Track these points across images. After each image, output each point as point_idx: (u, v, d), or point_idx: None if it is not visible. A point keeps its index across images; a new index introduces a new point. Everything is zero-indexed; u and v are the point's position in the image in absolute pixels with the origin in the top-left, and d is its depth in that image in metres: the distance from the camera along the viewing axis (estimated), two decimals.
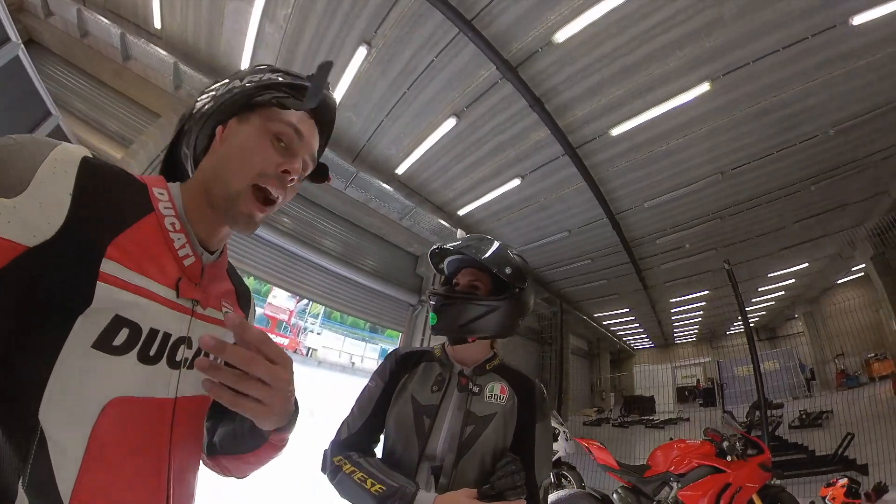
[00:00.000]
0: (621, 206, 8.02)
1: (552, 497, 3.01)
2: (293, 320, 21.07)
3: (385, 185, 7.26)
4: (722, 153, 6.93)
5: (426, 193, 7.66)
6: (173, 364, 0.62)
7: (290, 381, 0.57)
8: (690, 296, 14.51)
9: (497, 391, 1.14)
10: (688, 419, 9.73)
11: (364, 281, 8.43)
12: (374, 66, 5.44)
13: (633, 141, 6.43)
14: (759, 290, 14.88)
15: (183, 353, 0.64)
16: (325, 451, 1.13)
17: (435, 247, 1.27)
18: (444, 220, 8.19)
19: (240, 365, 0.52)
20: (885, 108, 6.44)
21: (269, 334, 0.57)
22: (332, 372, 14.92)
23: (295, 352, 17.92)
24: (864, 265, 11.11)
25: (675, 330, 19.99)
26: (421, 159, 6.86)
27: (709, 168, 7.26)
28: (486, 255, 1.15)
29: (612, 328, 18.95)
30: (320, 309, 21.62)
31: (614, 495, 3.16)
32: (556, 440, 4.26)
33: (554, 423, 4.36)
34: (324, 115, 0.80)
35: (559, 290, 12.43)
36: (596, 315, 16.38)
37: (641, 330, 19.81)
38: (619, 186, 7.47)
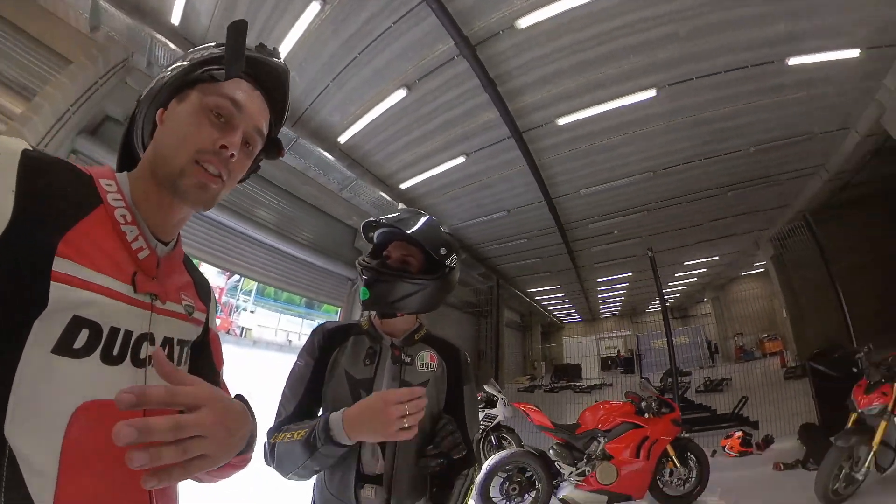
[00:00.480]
0: (559, 192, 8.37)
1: (495, 457, 3.42)
2: (224, 298, 19.87)
3: (326, 154, 6.82)
4: (656, 154, 7.54)
5: (369, 165, 7.36)
6: (138, 363, 0.59)
7: (222, 422, 0.50)
8: (616, 277, 15.95)
9: (427, 360, 1.19)
10: (611, 384, 11.35)
11: (300, 254, 7.93)
12: (326, 25, 4.98)
13: (577, 132, 6.67)
14: (676, 275, 16.72)
15: (146, 350, 0.61)
16: (265, 443, 1.07)
17: (371, 219, 1.24)
18: (386, 194, 7.92)
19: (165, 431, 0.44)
20: (800, 139, 7.52)
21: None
22: (269, 351, 14.47)
23: (228, 332, 17.01)
24: (764, 263, 12.98)
25: (601, 306, 22.08)
26: (366, 129, 6.53)
27: (643, 165, 7.85)
28: (422, 232, 1.16)
29: (544, 303, 20.38)
30: (253, 285, 20.56)
31: (550, 451, 3.55)
32: (494, 406, 4.62)
33: (492, 390, 4.79)
34: (267, 83, 0.74)
35: (496, 266, 12.84)
36: (529, 290, 17.33)
37: (570, 305, 21.58)
38: (559, 173, 7.73)
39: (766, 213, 10.95)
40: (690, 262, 15.13)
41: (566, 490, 3.40)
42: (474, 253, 11.53)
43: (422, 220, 1.19)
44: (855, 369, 3.70)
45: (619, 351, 21.64)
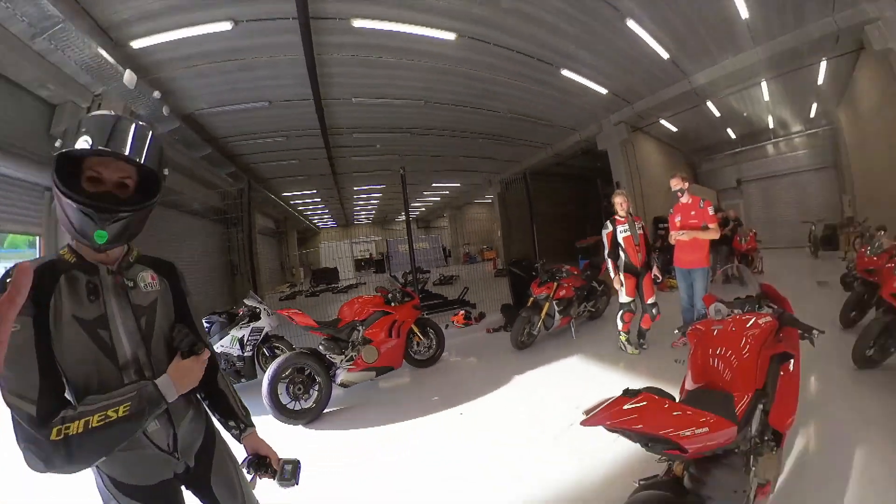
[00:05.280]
0: (332, 94, 7.94)
1: (273, 366, 3.54)
2: None
3: None
4: (434, 88, 8.23)
5: (86, 2, 4.80)
6: None
7: None
8: (371, 187, 17.19)
9: (148, 279, 1.16)
10: (364, 283, 12.86)
11: None
12: None
13: (369, 40, 6.39)
14: (424, 193, 19.67)
15: None
16: (24, 448, 0.85)
17: (89, 146, 0.94)
18: (107, 52, 5.38)
19: None
20: (544, 123, 10.69)
21: None
22: None
23: None
24: (492, 197, 17.64)
25: (356, 213, 23.64)
26: None
27: (419, 94, 8.43)
28: (151, 156, 1.03)
29: (300, 208, 19.79)
30: None
31: (320, 347, 3.93)
32: (259, 319, 4.54)
33: (253, 303, 4.66)
34: None
35: (248, 165, 11.62)
36: (285, 194, 16.47)
37: (326, 211, 21.85)
38: (337, 74, 7.28)
39: (501, 162, 14.52)
40: (438, 185, 18.32)
41: (342, 376, 3.88)
42: (222, 148, 9.93)
43: (149, 139, 1.03)
44: (534, 272, 5.82)
45: (371, 254, 24.36)
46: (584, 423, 1.37)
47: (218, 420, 1.34)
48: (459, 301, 8.02)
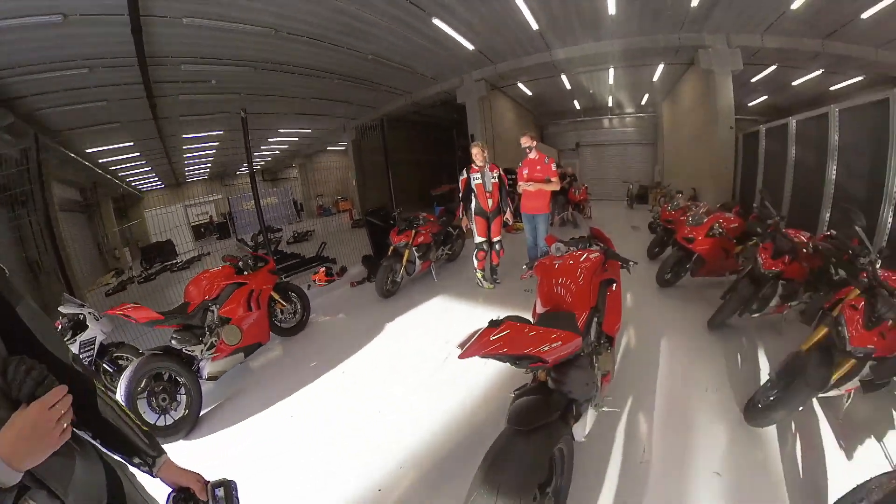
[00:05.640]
0: (154, 9, 5.99)
1: (122, 382, 2.77)
2: None
3: None
4: (288, 14, 6.94)
5: None
6: None
7: None
8: (205, 134, 14.17)
9: None
10: (208, 253, 10.17)
11: None
12: None
13: None
14: (270, 140, 17.25)
15: None
16: None
17: None
18: None
19: None
20: (407, 70, 10.49)
21: None
22: None
23: None
24: (347, 143, 16.79)
25: (188, 168, 19.05)
26: None
27: (268, 20, 7.03)
28: None
29: (113, 168, 15.28)
30: None
31: (172, 342, 3.28)
32: (84, 328, 3.53)
33: (72, 309, 3.59)
34: None
35: (32, 112, 8.21)
36: (90, 151, 12.42)
37: (149, 168, 17.17)
38: None
39: (357, 107, 13.51)
40: (285, 130, 16.12)
41: (207, 368, 3.36)
42: None
43: None
44: (392, 221, 5.90)
45: (211, 216, 20.75)
46: (460, 356, 1.59)
47: (120, 459, 1.01)
48: (318, 258, 7.77)
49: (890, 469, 1.85)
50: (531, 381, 2.04)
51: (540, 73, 11.48)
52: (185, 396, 3.07)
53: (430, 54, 9.67)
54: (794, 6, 7.15)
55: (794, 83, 11.58)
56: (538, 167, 5.11)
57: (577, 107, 16.70)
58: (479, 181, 5.09)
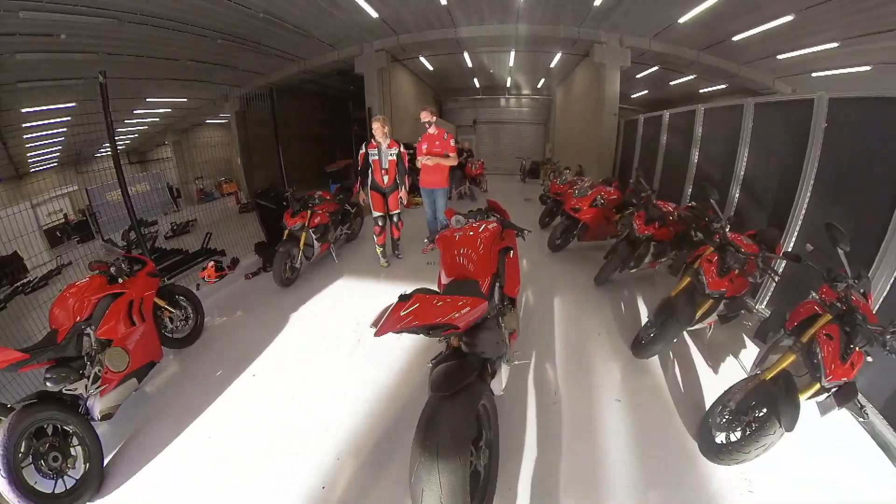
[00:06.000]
0: None
1: None
2: None
3: None
4: None
5: None
6: None
7: None
8: (53, 107, 11.46)
9: None
10: (70, 263, 8.42)
11: None
12: None
13: None
14: (135, 112, 14.60)
15: None
16: None
17: None
18: None
19: None
20: (301, 32, 9.60)
21: None
22: None
23: None
24: (229, 115, 14.80)
25: (31, 155, 15.49)
26: None
27: None
28: None
29: None
30: None
31: (47, 384, 2.54)
32: None
33: None
34: None
35: None
36: None
37: None
38: None
39: (244, 73, 12.12)
40: (154, 100, 13.70)
41: (97, 406, 2.67)
42: None
43: None
44: (284, 202, 5.40)
45: (66, 215, 16.68)
46: (375, 334, 1.58)
47: None
48: (205, 251, 6.81)
49: (746, 376, 2.40)
50: (446, 348, 2.10)
51: (443, 49, 11.56)
52: (79, 448, 2.41)
53: (330, 18, 9.02)
54: (681, 20, 8.42)
55: (671, 83, 13.68)
56: (437, 142, 5.14)
57: (477, 85, 17.27)
58: (376, 157, 5.02)
